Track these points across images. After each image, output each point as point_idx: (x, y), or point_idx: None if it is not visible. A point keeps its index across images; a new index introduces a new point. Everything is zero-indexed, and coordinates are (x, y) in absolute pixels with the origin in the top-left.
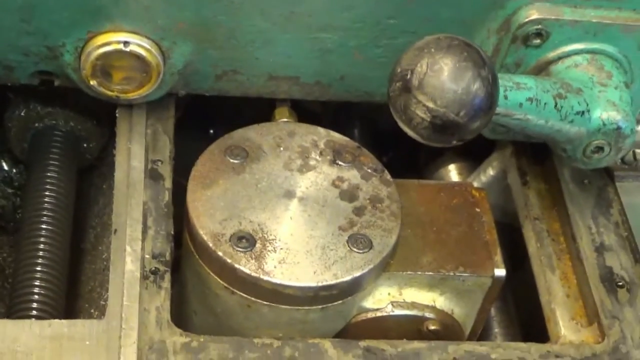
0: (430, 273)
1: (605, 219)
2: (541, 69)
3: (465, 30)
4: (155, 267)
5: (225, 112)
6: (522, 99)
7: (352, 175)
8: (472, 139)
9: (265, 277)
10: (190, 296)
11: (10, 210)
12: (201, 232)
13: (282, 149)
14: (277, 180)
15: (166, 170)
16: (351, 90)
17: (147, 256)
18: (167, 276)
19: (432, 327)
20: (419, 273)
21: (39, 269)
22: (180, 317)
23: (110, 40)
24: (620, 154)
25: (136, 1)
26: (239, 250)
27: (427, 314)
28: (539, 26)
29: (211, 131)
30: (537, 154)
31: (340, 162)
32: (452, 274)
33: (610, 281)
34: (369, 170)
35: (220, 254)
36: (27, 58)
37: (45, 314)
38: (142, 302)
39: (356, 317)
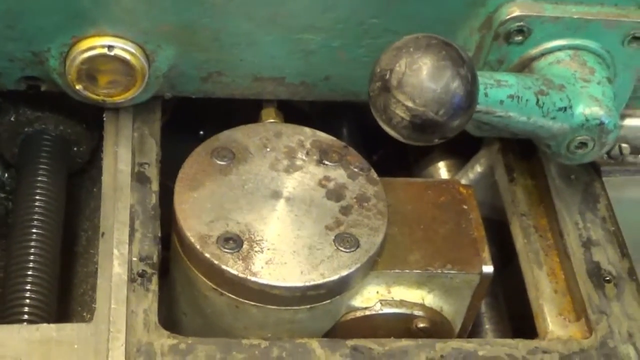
0: (418, 271)
1: (592, 214)
2: (524, 66)
3: (448, 29)
4: (142, 270)
5: (215, 114)
6: (503, 96)
7: (338, 175)
8: (456, 136)
9: (253, 278)
10: (180, 298)
11: (3, 214)
12: (188, 234)
13: (268, 149)
14: (263, 181)
15: (153, 173)
16: (336, 89)
17: (134, 259)
18: (155, 279)
19: (421, 325)
20: (407, 271)
21: (30, 273)
22: (171, 319)
23: (95, 45)
24: (604, 149)
25: (119, 5)
26: (226, 252)
27: (416, 312)
28: (521, 23)
29: (201, 132)
30: (524, 150)
31: (326, 162)
32: (440, 271)
33: (597, 276)
34: (356, 170)
35: (207, 255)
36: (13, 64)
37: (37, 318)
38: (130, 305)
39: (345, 316)
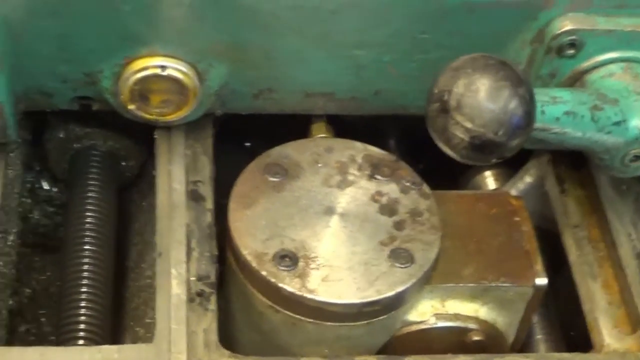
0: (472, 284)
1: None
2: (576, 79)
3: (498, 43)
4: (201, 289)
5: (260, 124)
6: (559, 113)
7: (390, 189)
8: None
9: (309, 295)
10: (235, 314)
11: (52, 228)
12: (244, 252)
13: (320, 165)
14: (316, 197)
15: (207, 190)
16: (386, 104)
17: (192, 278)
18: (213, 298)
19: (475, 338)
20: (461, 285)
21: (84, 290)
22: (225, 334)
23: (148, 65)
24: None
25: (172, 26)
26: (282, 269)
27: (471, 325)
28: (573, 37)
29: (247, 144)
30: (574, 161)
31: (378, 176)
32: (494, 284)
33: None
34: (408, 184)
35: (264, 273)
36: (65, 84)
37: (94, 336)
38: (190, 325)
39: (400, 331)
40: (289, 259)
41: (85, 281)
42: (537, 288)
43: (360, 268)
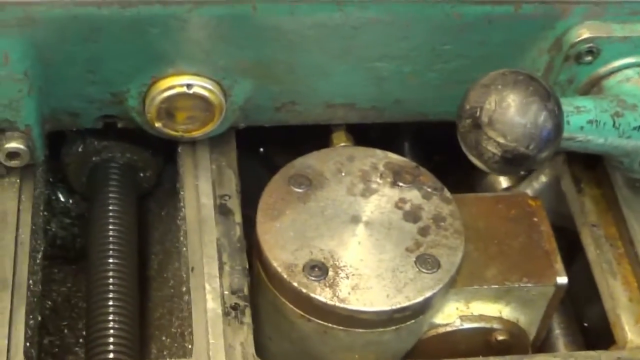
0: (496, 286)
1: None
2: (593, 85)
3: (517, 51)
4: (235, 303)
5: (274, 130)
6: (583, 122)
7: (413, 196)
8: None
9: (341, 305)
10: (265, 323)
11: (70, 240)
12: (274, 263)
13: (343, 174)
14: (342, 206)
15: (235, 204)
16: (406, 112)
17: (226, 292)
18: (248, 311)
19: (500, 338)
20: (485, 287)
21: (111, 303)
22: (255, 342)
23: (174, 84)
24: None
25: (198, 46)
26: (313, 280)
27: (495, 325)
28: (590, 44)
29: (261, 149)
30: (589, 160)
31: (400, 183)
32: (517, 285)
33: None
34: (429, 190)
35: (295, 284)
36: (92, 105)
37: (124, 349)
38: (227, 339)
39: (427, 333)
40: (319, 269)
41: (111, 294)
42: (559, 287)
43: (388, 275)
